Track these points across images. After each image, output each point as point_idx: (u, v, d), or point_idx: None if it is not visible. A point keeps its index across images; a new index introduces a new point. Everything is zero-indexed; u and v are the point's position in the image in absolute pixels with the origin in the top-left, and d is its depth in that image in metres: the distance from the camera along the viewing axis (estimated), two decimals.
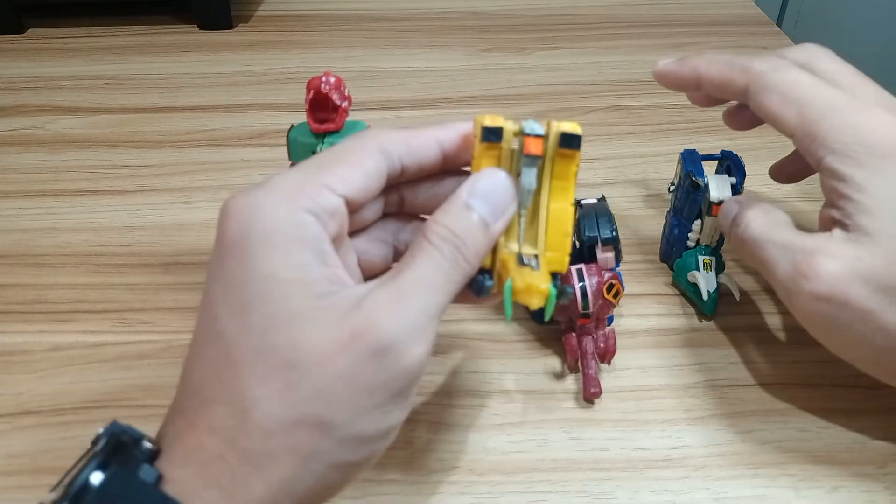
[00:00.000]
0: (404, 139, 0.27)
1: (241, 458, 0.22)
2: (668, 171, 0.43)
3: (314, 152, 0.34)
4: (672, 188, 0.42)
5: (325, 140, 0.34)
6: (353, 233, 0.28)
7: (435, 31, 0.72)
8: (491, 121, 0.26)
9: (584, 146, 0.26)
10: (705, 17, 0.74)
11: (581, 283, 0.35)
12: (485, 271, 0.27)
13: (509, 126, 0.26)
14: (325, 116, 0.34)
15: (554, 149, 0.26)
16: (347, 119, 0.35)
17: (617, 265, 0.36)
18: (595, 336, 0.36)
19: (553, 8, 0.76)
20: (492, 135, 0.26)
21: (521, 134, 0.26)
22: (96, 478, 0.21)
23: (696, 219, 0.40)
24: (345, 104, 0.34)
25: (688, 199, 0.40)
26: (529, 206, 0.27)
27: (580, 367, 0.36)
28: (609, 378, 0.37)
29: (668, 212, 0.43)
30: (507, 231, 0.27)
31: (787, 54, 0.34)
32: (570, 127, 0.26)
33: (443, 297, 0.24)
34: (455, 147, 0.27)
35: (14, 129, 0.57)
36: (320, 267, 0.24)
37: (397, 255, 0.30)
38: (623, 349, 0.37)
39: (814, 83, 0.32)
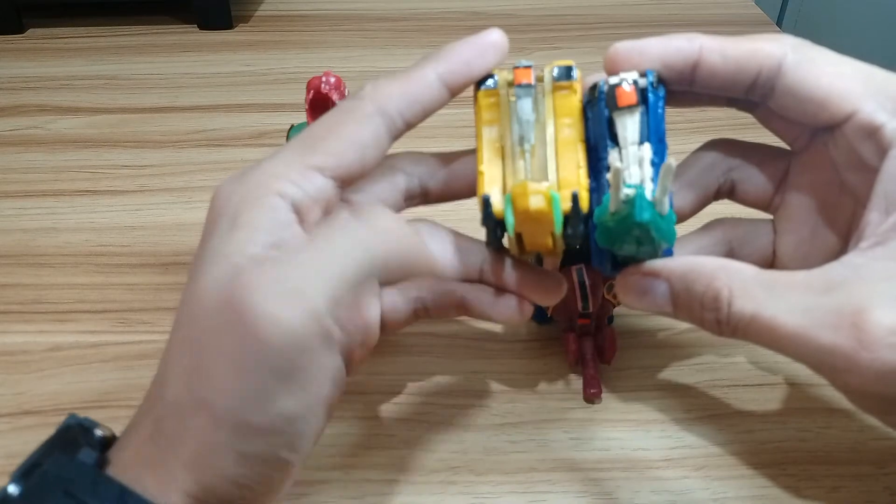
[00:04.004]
0: (401, 90, 0.25)
1: (161, 437, 0.22)
2: None
3: None
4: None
5: None
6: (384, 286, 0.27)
7: (435, 31, 0.72)
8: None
9: None
10: (705, 17, 0.74)
11: (581, 283, 0.35)
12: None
13: (504, 74, 0.26)
14: None
15: (551, 84, 0.26)
16: None
17: None
18: (595, 336, 0.36)
19: (553, 8, 0.76)
20: (487, 79, 0.26)
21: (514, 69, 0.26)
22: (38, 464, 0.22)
23: (612, 148, 0.25)
24: None
25: (596, 123, 0.26)
26: (533, 141, 0.26)
27: (580, 367, 0.36)
28: (609, 378, 0.37)
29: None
30: (515, 172, 0.26)
31: None
32: (563, 62, 0.26)
33: (348, 260, 0.22)
34: (458, 77, 0.25)
35: (14, 129, 0.57)
36: (266, 251, 0.22)
37: (416, 316, 0.28)
38: (623, 349, 0.37)
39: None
